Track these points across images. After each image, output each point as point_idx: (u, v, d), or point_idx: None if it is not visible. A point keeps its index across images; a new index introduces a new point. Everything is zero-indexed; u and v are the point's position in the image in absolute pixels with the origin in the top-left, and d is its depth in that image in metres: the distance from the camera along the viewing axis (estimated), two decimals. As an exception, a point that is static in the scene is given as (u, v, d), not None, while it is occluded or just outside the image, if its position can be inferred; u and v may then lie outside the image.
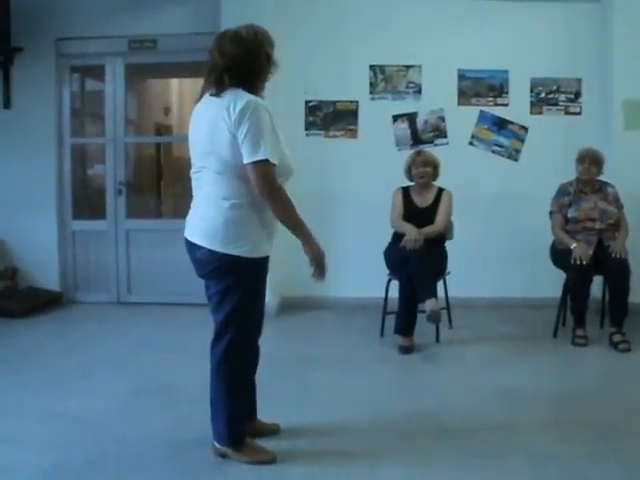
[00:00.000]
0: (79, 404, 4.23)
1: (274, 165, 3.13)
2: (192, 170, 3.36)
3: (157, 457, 3.47)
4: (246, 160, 3.09)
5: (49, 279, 7.26)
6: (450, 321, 6.12)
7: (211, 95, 3.27)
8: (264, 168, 3.09)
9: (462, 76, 6.98)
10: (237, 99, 3.13)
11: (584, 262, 5.45)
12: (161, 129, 10.16)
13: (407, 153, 6.20)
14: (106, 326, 6.41)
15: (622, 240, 5.68)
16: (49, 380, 4.74)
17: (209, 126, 3.20)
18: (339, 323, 6.42)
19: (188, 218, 3.38)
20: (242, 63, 3.23)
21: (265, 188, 3.10)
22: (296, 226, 3.25)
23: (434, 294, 5.25)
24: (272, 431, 3.72)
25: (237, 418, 3.39)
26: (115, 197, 7.29)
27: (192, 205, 3.38)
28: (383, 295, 5.80)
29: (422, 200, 5.80)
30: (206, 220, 3.24)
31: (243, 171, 3.13)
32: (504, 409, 4.18)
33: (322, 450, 3.57)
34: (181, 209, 8.64)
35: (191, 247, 3.30)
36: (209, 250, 3.21)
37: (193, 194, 3.38)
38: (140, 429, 3.84)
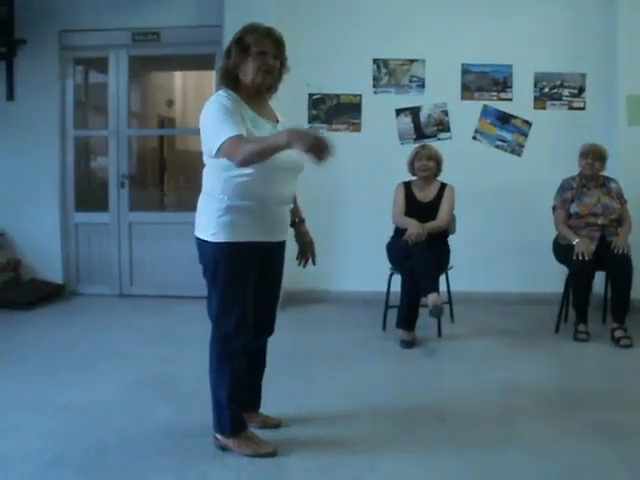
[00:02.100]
0: (81, 396, 4.24)
1: (235, 136, 3.10)
2: None
3: (158, 449, 3.48)
4: (213, 152, 3.19)
5: (52, 271, 7.28)
6: (452, 315, 6.12)
7: None
8: (224, 150, 3.12)
9: (466, 70, 6.97)
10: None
11: (586, 257, 5.45)
12: (164, 122, 10.17)
13: (410, 147, 6.21)
14: (108, 318, 6.43)
15: (625, 235, 5.68)
16: (51, 372, 4.75)
17: None
18: (341, 317, 6.42)
19: None
20: (222, 65, 3.41)
21: (236, 161, 3.12)
22: (272, 148, 3.05)
23: (436, 288, 5.25)
24: (273, 425, 3.72)
25: (223, 405, 3.38)
26: (118, 189, 7.30)
27: None
28: (385, 289, 5.80)
29: (424, 195, 5.80)
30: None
31: (210, 164, 3.30)
32: (505, 404, 4.18)
33: (323, 443, 3.57)
34: (184, 202, 8.70)
35: None
36: (195, 236, 3.39)
37: None
38: (142, 421, 3.85)
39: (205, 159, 3.34)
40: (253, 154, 3.05)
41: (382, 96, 7.03)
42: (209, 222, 3.28)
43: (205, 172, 3.37)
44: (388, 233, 5.83)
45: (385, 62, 7.00)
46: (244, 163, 3.10)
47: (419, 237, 5.39)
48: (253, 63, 3.30)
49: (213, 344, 3.39)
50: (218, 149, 3.13)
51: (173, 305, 6.78)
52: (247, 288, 3.38)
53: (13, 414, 3.95)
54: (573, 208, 5.79)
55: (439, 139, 6.92)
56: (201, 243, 3.34)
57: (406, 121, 7.02)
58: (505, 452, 3.46)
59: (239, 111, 3.22)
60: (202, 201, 3.37)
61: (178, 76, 10.74)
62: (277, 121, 3.47)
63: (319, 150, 2.83)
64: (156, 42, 7.15)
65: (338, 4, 6.96)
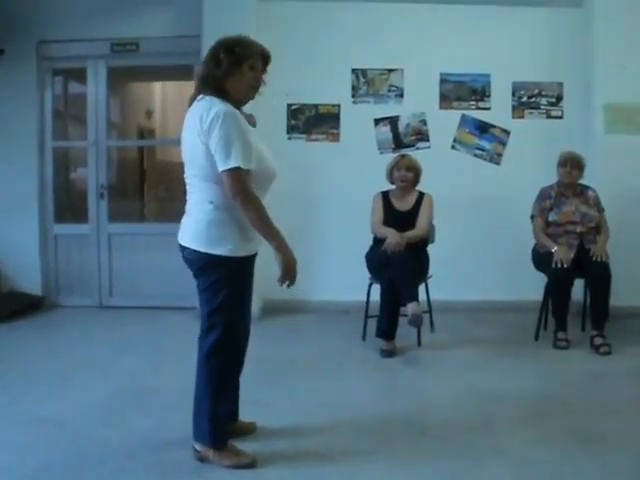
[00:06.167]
0: (60, 408, 4.21)
1: (247, 171, 3.17)
2: (185, 175, 3.42)
3: (138, 461, 3.46)
4: (219, 168, 3.16)
5: (31, 283, 7.22)
6: (432, 324, 6.13)
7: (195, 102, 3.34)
8: (235, 175, 3.15)
9: (444, 80, 7.00)
10: (208, 109, 3.19)
11: (565, 265, 5.49)
12: (144, 132, 10.13)
13: (389, 157, 6.23)
14: (88, 330, 6.38)
15: (603, 243, 5.72)
16: (30, 384, 4.71)
17: (189, 136, 3.29)
18: (321, 326, 6.41)
19: (181, 222, 3.46)
20: (208, 71, 3.32)
21: (238, 195, 3.16)
22: (269, 233, 3.28)
23: (416, 297, 5.26)
24: (249, 430, 3.75)
25: (220, 417, 3.41)
26: (97, 201, 7.26)
27: (186, 209, 3.46)
28: (365, 299, 5.80)
29: (402, 204, 5.82)
30: (193, 223, 3.34)
31: (217, 177, 3.21)
32: (485, 412, 4.19)
33: (303, 453, 3.57)
34: (164, 213, 8.67)
35: (180, 248, 3.40)
36: (194, 250, 3.30)
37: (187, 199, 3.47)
38: (121, 433, 3.82)
39: (203, 171, 3.24)
40: (256, 217, 3.21)
41: (361, 106, 7.04)
42: (220, 236, 3.26)
43: (211, 185, 3.25)
44: (367, 243, 5.84)
45: (364, 72, 7.02)
46: (242, 207, 3.18)
47: (398, 246, 5.41)
48: (246, 79, 3.33)
49: (212, 352, 3.34)
50: (226, 170, 3.13)
51: (153, 316, 6.74)
52: (250, 297, 3.49)
53: (-9, 427, 3.92)
54: (551, 216, 5.82)
55: (418, 148, 6.94)
56: (208, 257, 3.26)
57: (385, 131, 7.04)
58: (486, 461, 3.47)
59: (247, 129, 3.25)
60: (210, 214, 3.27)
61: (157, 86, 10.71)
62: (254, 125, 3.52)
63: (290, 278, 3.35)
64: (135, 52, 7.12)
65: (317, 14, 6.96)
